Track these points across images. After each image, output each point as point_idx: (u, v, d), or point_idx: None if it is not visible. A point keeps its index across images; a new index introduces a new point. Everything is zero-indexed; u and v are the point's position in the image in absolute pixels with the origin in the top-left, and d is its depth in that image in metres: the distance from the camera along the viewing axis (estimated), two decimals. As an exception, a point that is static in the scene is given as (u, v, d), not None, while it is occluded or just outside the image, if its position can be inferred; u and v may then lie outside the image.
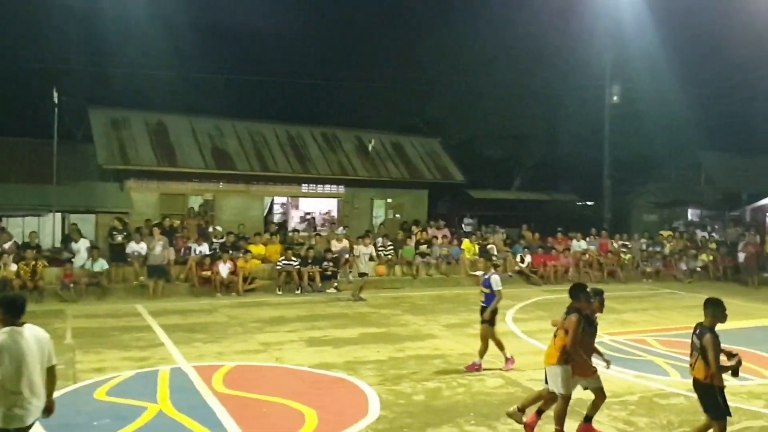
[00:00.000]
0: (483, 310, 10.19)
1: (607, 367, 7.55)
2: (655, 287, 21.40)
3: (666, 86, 32.18)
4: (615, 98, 29.86)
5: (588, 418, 7.52)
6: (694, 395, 8.96)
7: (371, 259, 18.44)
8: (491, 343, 10.25)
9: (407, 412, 8.20)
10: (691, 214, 36.32)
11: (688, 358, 7.92)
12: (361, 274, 17.93)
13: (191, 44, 31.32)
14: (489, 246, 21.44)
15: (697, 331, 6.51)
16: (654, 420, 8.13)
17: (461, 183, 28.80)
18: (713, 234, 28.37)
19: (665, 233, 26.96)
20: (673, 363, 10.93)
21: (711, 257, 24.01)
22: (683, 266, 23.55)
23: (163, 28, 29.82)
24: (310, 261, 18.92)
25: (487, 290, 10.18)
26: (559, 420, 7.24)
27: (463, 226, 27.76)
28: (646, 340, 12.75)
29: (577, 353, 7.14)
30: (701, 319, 6.66)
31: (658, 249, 24.34)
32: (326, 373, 9.99)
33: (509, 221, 27.72)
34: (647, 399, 8.99)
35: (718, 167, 37.73)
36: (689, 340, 6.72)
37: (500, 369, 10.16)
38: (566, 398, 7.23)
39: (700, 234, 28.10)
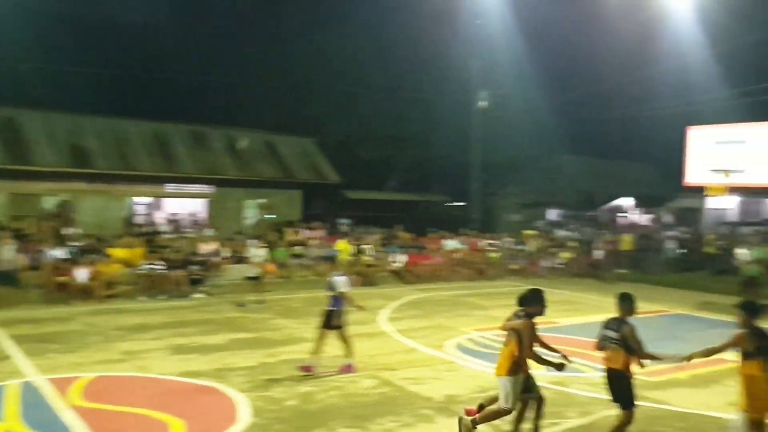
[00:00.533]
0: (329, 314, 10.03)
1: (568, 362, 7.41)
2: (519, 283, 22.21)
3: (530, 93, 33.82)
4: (483, 103, 30.92)
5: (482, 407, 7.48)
6: (556, 387, 9.45)
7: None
8: (349, 342, 10.19)
9: (279, 418, 8.02)
10: (552, 214, 38.41)
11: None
12: (253, 278, 17.26)
13: (48, 35, 29.23)
14: (364, 246, 21.51)
15: (613, 324, 6.91)
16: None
17: (336, 183, 28.75)
18: (572, 233, 29.98)
19: (529, 232, 28.22)
20: (538, 357, 11.34)
21: (570, 255, 25.36)
22: (545, 263, 24.72)
23: (15, 16, 27.62)
24: (175, 264, 18.11)
25: (332, 293, 10.07)
26: (486, 419, 7.15)
27: (342, 227, 27.68)
28: (512, 336, 13.17)
29: (533, 357, 7.05)
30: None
31: (522, 247, 25.41)
32: (194, 381, 9.58)
33: (384, 221, 27.97)
34: (514, 393, 9.24)
35: (577, 170, 40.25)
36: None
37: (301, 369, 10.00)
38: (506, 412, 7.10)
39: (560, 233, 29.62)
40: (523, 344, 6.88)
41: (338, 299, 10.01)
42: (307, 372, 9.85)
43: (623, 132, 39.85)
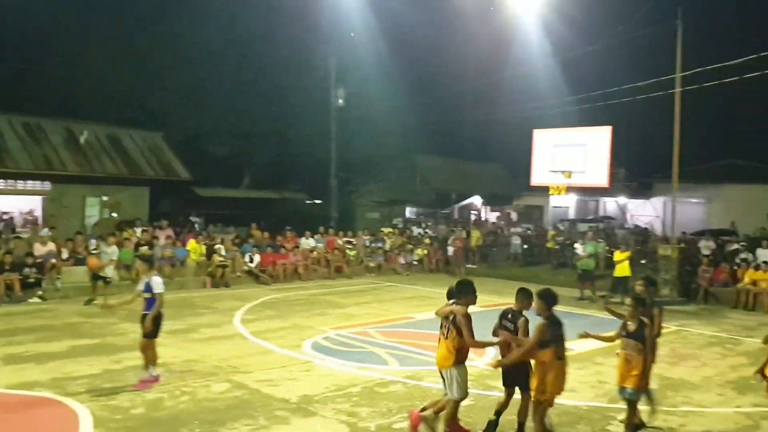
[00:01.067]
0: (144, 318, 9.33)
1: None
2: (377, 281, 22.58)
3: (388, 93, 34.37)
4: (340, 101, 31.02)
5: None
6: (411, 382, 9.62)
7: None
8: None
9: (125, 427, 7.62)
10: (409, 212, 39.36)
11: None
12: (102, 278, 16.18)
13: None
14: (216, 246, 20.78)
15: (510, 315, 7.33)
16: (375, 409, 8.45)
17: (187, 180, 27.65)
18: (427, 230, 30.82)
19: (386, 230, 28.70)
20: (393, 352, 11.52)
21: (425, 251, 26.06)
22: (402, 260, 25.24)
23: None
24: (7, 267, 16.60)
25: (147, 295, 9.30)
26: (451, 422, 7.17)
27: (196, 226, 26.63)
28: (368, 332, 13.28)
29: (476, 344, 7.15)
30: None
31: (379, 245, 25.79)
32: (28, 393, 8.85)
33: (238, 220, 27.30)
34: (369, 389, 9.32)
35: (432, 169, 41.54)
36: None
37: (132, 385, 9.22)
38: (459, 401, 7.16)
39: (416, 230, 30.37)
40: (465, 333, 6.98)
41: (151, 302, 9.27)
42: (152, 383, 9.28)
43: (476, 133, 41.58)
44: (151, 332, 9.25)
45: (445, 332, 7.19)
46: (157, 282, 9.35)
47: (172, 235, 21.60)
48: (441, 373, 7.30)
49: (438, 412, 7.39)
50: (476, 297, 7.32)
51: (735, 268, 19.85)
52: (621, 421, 7.84)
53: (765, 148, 37.69)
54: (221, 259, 20.35)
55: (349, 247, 24.67)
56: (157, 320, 9.28)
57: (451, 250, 25.32)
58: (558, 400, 7.77)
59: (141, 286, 9.43)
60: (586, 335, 7.51)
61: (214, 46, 31.87)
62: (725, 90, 20.12)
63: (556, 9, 26.92)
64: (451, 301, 7.34)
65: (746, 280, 18.72)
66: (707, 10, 33.92)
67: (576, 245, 22.04)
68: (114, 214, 25.28)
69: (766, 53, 16.82)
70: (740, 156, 36.64)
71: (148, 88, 32.10)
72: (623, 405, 7.58)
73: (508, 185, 42.34)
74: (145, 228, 22.01)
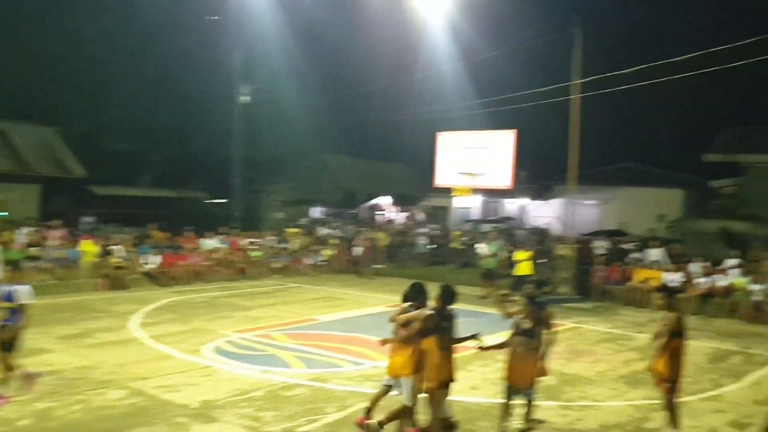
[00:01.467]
0: (2, 329, 8.48)
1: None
2: (282, 282, 22.27)
3: (295, 91, 34.03)
4: (246, 98, 30.44)
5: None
6: (317, 384, 9.53)
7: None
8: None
9: (11, 441, 7.15)
10: (316, 211, 39.15)
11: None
12: None
13: None
14: (111, 247, 19.86)
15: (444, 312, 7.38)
16: (279, 413, 8.31)
17: (81, 178, 26.39)
18: (334, 230, 30.70)
19: (292, 230, 28.36)
20: (298, 355, 11.36)
21: (332, 251, 25.94)
22: (308, 261, 25.01)
23: None
24: None
25: (9, 305, 8.42)
26: (391, 419, 7.24)
27: (92, 226, 25.36)
28: (271, 335, 13.05)
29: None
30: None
31: (285, 245, 25.45)
32: None
33: (136, 220, 26.26)
34: (272, 393, 9.15)
35: (340, 169, 41.55)
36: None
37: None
38: (410, 409, 7.18)
39: (323, 230, 30.18)
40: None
41: (17, 313, 8.44)
42: (31, 385, 8.74)
43: (385, 134, 41.86)
44: (9, 344, 8.42)
45: (405, 339, 7.20)
46: (24, 291, 8.50)
47: (65, 235, 20.48)
48: (397, 381, 7.29)
49: (384, 423, 7.39)
50: (427, 300, 7.41)
51: (626, 267, 20.85)
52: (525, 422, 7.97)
53: (657, 152, 40.04)
54: (117, 260, 19.49)
55: (253, 247, 24.21)
56: (19, 332, 8.47)
57: (357, 250, 25.33)
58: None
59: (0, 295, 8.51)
60: (482, 349, 7.61)
61: (113, 38, 30.53)
62: (621, 96, 21.15)
63: (462, 13, 27.53)
64: (407, 304, 7.35)
65: (637, 278, 19.72)
66: (606, 20, 35.65)
67: (479, 245, 22.53)
68: (1, 213, 23.78)
69: (658, 62, 17.79)
70: (634, 160, 38.57)
71: (40, 81, 30.30)
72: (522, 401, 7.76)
73: (415, 186, 42.85)
74: (35, 228, 20.75)
